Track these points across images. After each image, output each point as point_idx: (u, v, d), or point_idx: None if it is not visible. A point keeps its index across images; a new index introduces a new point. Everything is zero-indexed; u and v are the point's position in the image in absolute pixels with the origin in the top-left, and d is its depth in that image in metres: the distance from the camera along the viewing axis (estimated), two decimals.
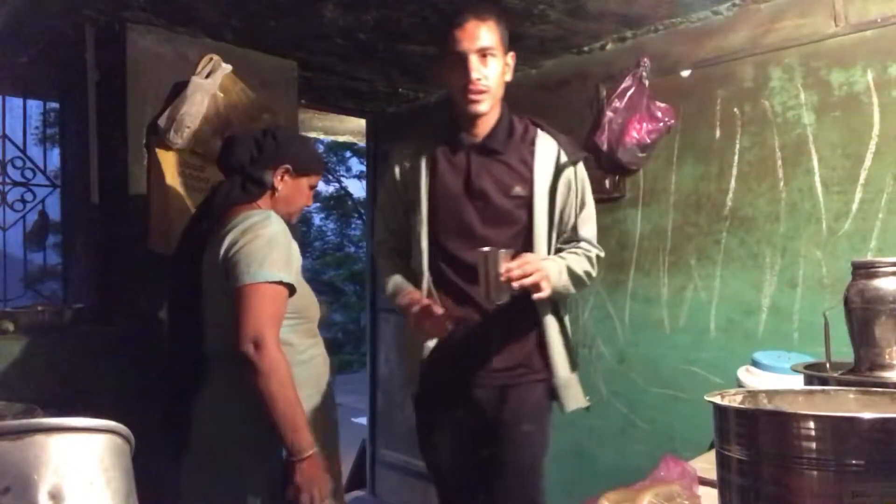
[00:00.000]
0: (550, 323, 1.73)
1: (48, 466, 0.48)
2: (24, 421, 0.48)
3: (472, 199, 1.71)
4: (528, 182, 1.70)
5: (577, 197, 1.75)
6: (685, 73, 2.54)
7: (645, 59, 2.57)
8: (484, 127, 1.73)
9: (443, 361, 1.74)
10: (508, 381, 1.73)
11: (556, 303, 1.75)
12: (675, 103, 2.53)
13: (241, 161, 1.69)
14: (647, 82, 2.56)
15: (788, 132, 2.27)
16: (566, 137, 1.77)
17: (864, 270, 1.15)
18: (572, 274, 1.69)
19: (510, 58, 1.76)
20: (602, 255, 1.80)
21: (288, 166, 1.71)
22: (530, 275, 1.52)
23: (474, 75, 1.64)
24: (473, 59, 1.64)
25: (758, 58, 2.34)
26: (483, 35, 1.65)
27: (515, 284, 1.52)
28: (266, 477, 1.53)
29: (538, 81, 2.98)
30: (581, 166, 1.77)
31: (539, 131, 1.76)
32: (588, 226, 1.79)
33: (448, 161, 1.75)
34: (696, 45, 2.50)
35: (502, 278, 1.49)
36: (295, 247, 1.62)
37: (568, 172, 1.73)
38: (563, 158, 1.72)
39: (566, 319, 1.80)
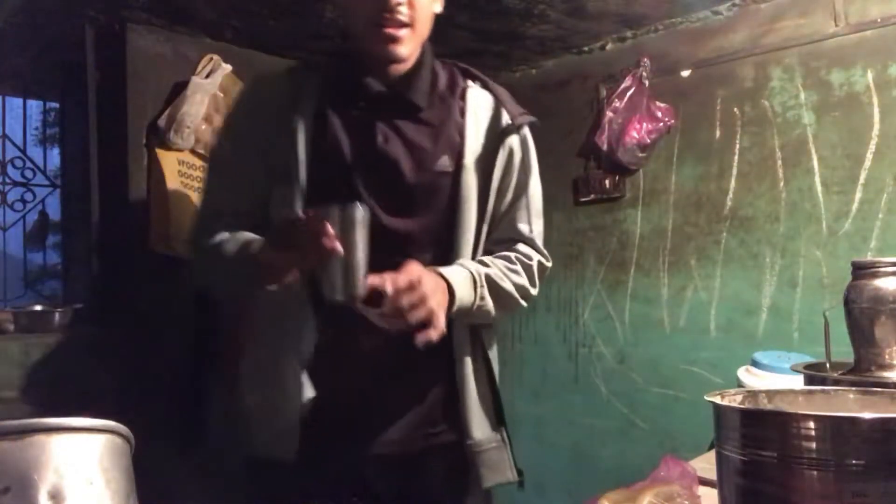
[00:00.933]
0: (466, 361, 1.24)
1: (48, 466, 0.48)
2: (24, 421, 0.48)
3: (375, 173, 1.17)
4: (456, 152, 1.21)
5: (516, 177, 1.27)
6: (685, 73, 2.54)
7: (645, 59, 2.57)
8: (397, 74, 1.20)
9: (320, 420, 1.16)
10: (408, 449, 1.22)
11: (478, 330, 1.26)
12: (675, 103, 2.53)
13: None
14: (647, 82, 2.56)
15: (788, 132, 2.27)
16: (508, 93, 1.29)
17: (864, 270, 1.15)
18: (496, 289, 1.20)
19: None
20: (548, 263, 1.33)
21: None
22: (412, 307, 1.02)
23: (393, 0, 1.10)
24: None
25: (758, 58, 2.34)
26: None
27: (382, 319, 1.07)
28: None
29: (538, 81, 2.98)
30: (528, 134, 1.29)
31: (471, 82, 1.28)
32: (529, 220, 1.29)
33: (342, 119, 1.18)
34: (696, 45, 2.50)
35: (360, 290, 0.99)
36: None
37: (510, 141, 1.25)
38: (505, 120, 1.25)
39: (493, 353, 1.30)
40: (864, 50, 2.11)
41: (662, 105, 2.53)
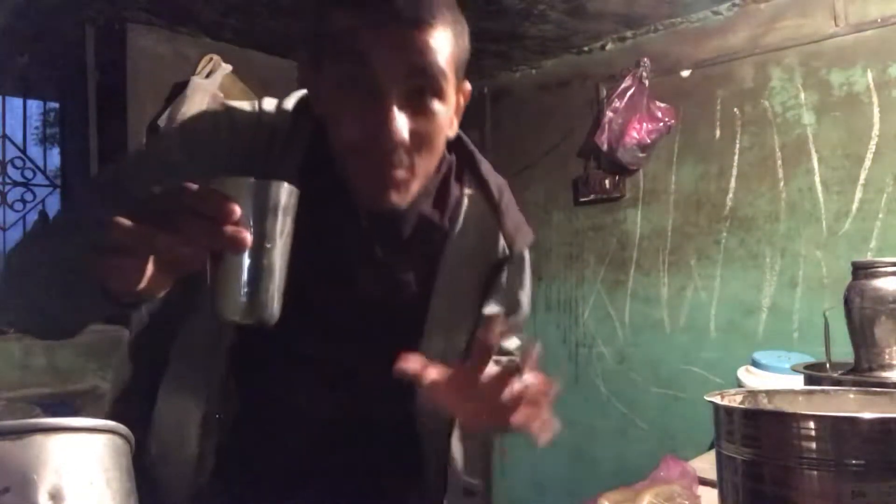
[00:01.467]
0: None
1: (48, 466, 0.48)
2: (24, 421, 0.48)
3: (338, 290, 0.92)
4: (429, 276, 0.93)
5: (507, 300, 1.01)
6: (685, 73, 2.54)
7: (645, 59, 2.57)
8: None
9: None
10: None
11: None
12: (675, 103, 2.53)
13: None
14: (647, 82, 2.56)
15: (788, 132, 2.27)
16: (508, 198, 0.98)
17: (864, 271, 1.15)
18: None
19: (463, 92, 0.91)
20: None
21: None
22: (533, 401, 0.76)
23: (396, 130, 0.76)
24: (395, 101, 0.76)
25: (758, 58, 2.34)
26: (421, 55, 0.78)
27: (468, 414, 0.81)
28: None
29: (538, 81, 2.98)
30: (525, 256, 1.03)
31: (467, 190, 0.95)
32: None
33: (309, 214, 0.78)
34: (696, 45, 2.50)
35: (273, 308, 0.62)
36: None
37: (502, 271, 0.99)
38: (501, 247, 0.97)
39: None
40: (864, 50, 2.11)
41: (662, 105, 2.53)
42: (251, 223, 0.59)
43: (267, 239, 0.61)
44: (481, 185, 0.95)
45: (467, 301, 0.94)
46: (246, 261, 0.60)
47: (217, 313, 0.62)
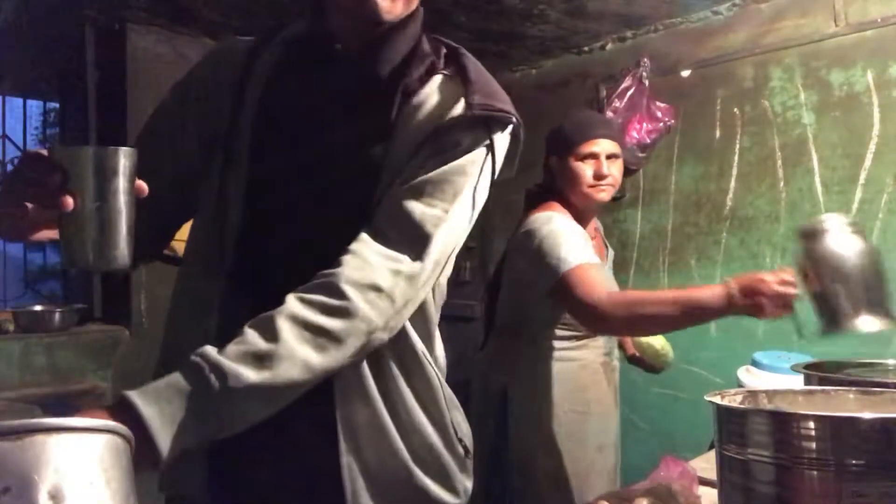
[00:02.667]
0: (360, 412, 0.86)
1: (48, 466, 0.48)
2: (24, 421, 0.48)
3: (311, 146, 0.91)
4: (387, 141, 0.89)
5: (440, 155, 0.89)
6: (685, 73, 2.54)
7: (645, 59, 2.57)
8: (371, 35, 0.91)
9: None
10: None
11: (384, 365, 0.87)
12: (675, 103, 2.53)
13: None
14: (647, 82, 2.56)
15: (788, 132, 2.27)
16: (497, 90, 0.96)
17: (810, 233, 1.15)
18: (222, 398, 0.73)
19: None
20: (391, 294, 0.81)
21: (552, 157, 1.72)
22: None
23: None
24: None
25: (758, 58, 2.34)
26: None
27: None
28: None
29: (538, 81, 2.98)
30: (497, 139, 0.93)
31: (445, 72, 0.94)
32: (425, 197, 0.86)
33: (292, 74, 0.94)
34: (696, 45, 2.50)
35: (119, 256, 0.70)
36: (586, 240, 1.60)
37: (456, 135, 0.90)
38: (460, 109, 0.89)
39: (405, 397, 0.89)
40: (864, 50, 2.11)
41: (662, 105, 2.53)
42: (91, 185, 0.69)
43: (107, 197, 0.69)
44: (459, 70, 0.94)
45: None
46: (89, 218, 0.69)
47: (67, 263, 0.71)
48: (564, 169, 1.68)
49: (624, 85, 2.58)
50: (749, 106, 2.37)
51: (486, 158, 0.90)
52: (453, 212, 0.86)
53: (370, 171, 0.88)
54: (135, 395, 0.69)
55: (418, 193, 0.85)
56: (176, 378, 0.71)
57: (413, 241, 0.84)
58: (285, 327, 0.75)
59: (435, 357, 0.94)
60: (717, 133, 2.45)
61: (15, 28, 2.46)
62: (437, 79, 0.92)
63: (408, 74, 0.92)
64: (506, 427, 1.63)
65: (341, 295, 0.78)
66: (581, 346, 1.67)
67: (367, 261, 0.81)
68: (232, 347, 0.74)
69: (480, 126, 0.90)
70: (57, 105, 3.24)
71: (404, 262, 0.82)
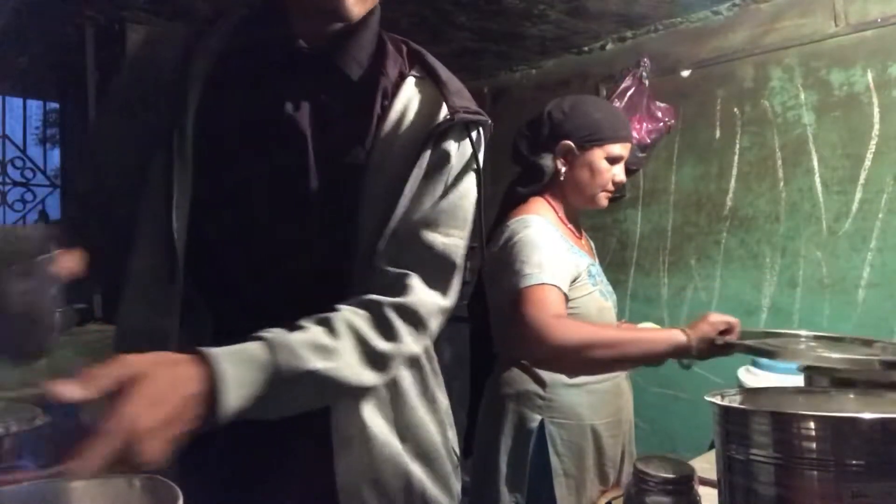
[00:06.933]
0: (358, 442, 0.85)
1: None
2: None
3: (272, 152, 0.86)
4: (368, 144, 0.87)
5: (443, 183, 0.88)
6: (685, 73, 2.54)
7: (645, 59, 2.57)
8: (330, 31, 0.87)
9: None
10: None
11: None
12: (675, 103, 2.53)
13: (522, 150, 1.49)
14: (647, 82, 2.56)
15: (788, 132, 2.27)
16: (462, 88, 0.92)
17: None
18: (285, 377, 0.72)
19: None
20: (446, 303, 0.86)
21: (568, 142, 1.44)
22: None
23: None
24: None
25: (758, 58, 2.34)
26: None
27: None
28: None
29: (538, 81, 2.98)
30: (474, 138, 0.91)
31: (414, 72, 0.92)
32: (441, 229, 0.86)
33: (244, 82, 0.87)
34: (696, 45, 2.50)
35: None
36: (564, 249, 1.41)
37: (444, 142, 0.88)
38: (443, 115, 0.88)
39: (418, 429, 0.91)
40: (864, 50, 2.11)
41: (662, 105, 2.53)
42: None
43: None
44: (429, 68, 0.92)
45: (400, 181, 0.85)
46: None
47: None
48: (582, 161, 1.44)
49: (624, 85, 2.58)
50: (749, 106, 2.37)
51: (476, 168, 0.91)
52: (466, 234, 0.89)
53: (351, 177, 0.85)
54: (210, 351, 0.68)
55: (434, 225, 0.86)
56: (248, 347, 0.71)
57: (442, 272, 0.86)
58: (344, 332, 0.77)
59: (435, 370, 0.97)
60: (717, 133, 2.45)
61: (15, 28, 2.46)
62: (410, 80, 0.91)
63: (384, 74, 0.89)
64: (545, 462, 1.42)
65: (390, 323, 0.80)
66: None
67: (418, 294, 0.83)
68: (297, 334, 0.74)
69: (464, 130, 0.89)
70: (57, 105, 3.24)
71: (442, 300, 0.86)
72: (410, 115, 0.88)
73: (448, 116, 0.87)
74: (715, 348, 1.23)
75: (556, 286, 1.31)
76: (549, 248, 1.36)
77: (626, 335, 1.31)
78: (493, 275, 1.45)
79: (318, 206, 0.86)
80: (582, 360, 1.26)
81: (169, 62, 0.87)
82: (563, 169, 1.46)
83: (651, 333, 1.33)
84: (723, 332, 1.25)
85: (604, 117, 1.46)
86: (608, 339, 1.28)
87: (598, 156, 1.44)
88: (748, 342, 1.20)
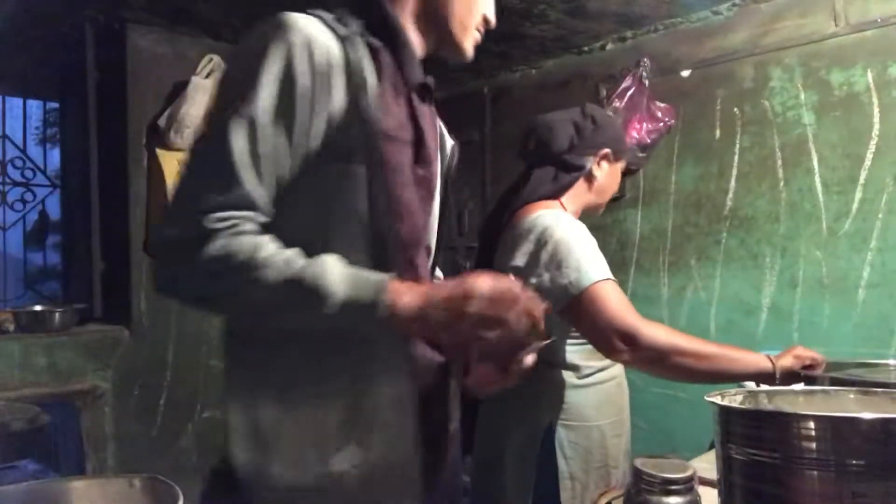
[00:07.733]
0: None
1: None
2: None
3: (419, 166, 0.98)
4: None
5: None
6: (685, 73, 2.54)
7: (645, 59, 2.57)
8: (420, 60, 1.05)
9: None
10: None
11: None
12: (675, 103, 2.53)
13: (561, 147, 1.52)
14: (647, 82, 2.56)
15: (788, 132, 2.27)
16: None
17: None
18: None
19: None
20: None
21: (607, 151, 1.51)
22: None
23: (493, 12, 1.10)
24: None
25: (758, 58, 2.34)
26: None
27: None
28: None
29: (538, 81, 2.98)
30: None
31: None
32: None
33: (395, 100, 0.95)
34: (696, 45, 2.50)
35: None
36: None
37: (454, 150, 1.16)
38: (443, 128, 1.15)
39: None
40: (864, 50, 2.11)
41: (662, 105, 2.53)
42: None
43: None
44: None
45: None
46: None
47: None
48: (612, 170, 1.53)
49: (624, 85, 2.58)
50: (749, 106, 2.37)
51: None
52: None
53: (443, 182, 1.10)
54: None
55: None
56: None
57: None
58: None
59: None
60: (717, 133, 2.45)
61: (15, 28, 2.46)
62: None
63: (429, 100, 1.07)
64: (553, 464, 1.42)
65: None
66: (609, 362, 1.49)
67: None
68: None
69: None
70: (57, 105, 3.24)
71: None
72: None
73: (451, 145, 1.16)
74: (797, 379, 1.24)
75: (615, 280, 1.38)
76: (593, 243, 1.41)
77: (717, 350, 1.34)
78: (530, 269, 1.40)
79: (441, 206, 1.08)
80: (667, 365, 1.32)
81: (332, 68, 0.86)
82: (599, 174, 1.52)
83: (740, 354, 1.34)
84: (807, 367, 1.26)
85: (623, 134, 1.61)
86: (698, 350, 1.33)
87: (619, 168, 1.57)
88: (832, 374, 1.18)
